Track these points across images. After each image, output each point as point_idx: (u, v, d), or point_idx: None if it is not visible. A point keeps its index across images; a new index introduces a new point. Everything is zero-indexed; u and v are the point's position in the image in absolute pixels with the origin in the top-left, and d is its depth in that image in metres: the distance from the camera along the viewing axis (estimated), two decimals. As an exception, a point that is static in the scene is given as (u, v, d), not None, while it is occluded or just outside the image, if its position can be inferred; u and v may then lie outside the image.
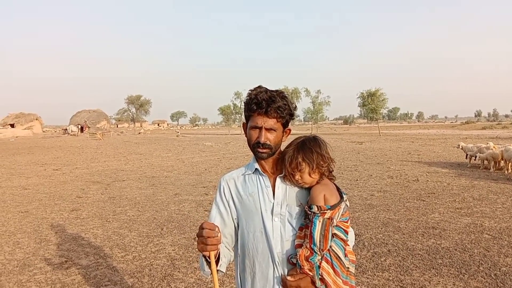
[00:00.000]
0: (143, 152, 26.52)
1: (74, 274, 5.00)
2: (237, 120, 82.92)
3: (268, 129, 1.76)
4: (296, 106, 1.89)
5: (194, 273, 4.99)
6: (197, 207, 8.81)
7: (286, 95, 1.79)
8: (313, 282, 1.64)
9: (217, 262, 1.72)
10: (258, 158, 1.83)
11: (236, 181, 1.90)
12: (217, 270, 1.75)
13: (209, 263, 1.67)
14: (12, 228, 7.27)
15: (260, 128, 1.76)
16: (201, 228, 1.62)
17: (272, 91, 1.78)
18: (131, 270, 5.12)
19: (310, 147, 1.76)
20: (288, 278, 1.68)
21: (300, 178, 1.75)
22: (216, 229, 1.63)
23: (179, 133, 60.04)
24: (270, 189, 1.81)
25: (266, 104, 1.72)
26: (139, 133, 55.23)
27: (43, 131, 71.90)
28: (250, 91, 1.80)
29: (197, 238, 1.64)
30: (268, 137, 1.77)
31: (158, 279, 4.80)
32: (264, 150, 1.78)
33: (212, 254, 1.63)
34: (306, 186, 1.76)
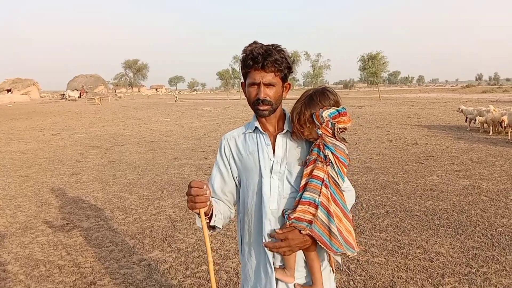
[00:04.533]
0: (141, 117, 26.43)
1: (75, 236, 5.07)
2: (236, 85, 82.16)
3: (267, 85, 1.71)
4: (293, 59, 1.83)
5: (194, 234, 5.06)
6: (196, 170, 8.85)
7: (283, 49, 1.73)
8: (301, 233, 1.63)
9: (210, 218, 1.72)
10: (259, 115, 1.79)
11: (236, 140, 1.88)
12: (212, 226, 1.77)
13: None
14: (13, 192, 7.32)
15: (259, 84, 1.72)
16: (190, 186, 1.60)
17: (268, 45, 1.72)
18: (132, 231, 5.19)
19: (318, 102, 1.71)
20: (277, 231, 1.68)
21: (309, 133, 1.72)
22: (204, 187, 1.61)
23: (177, 98, 59.64)
24: (270, 147, 1.79)
25: (262, 58, 1.66)
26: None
27: (41, 97, 71.44)
28: (245, 48, 1.74)
29: (187, 197, 1.63)
30: (268, 93, 1.72)
31: (159, 240, 4.87)
32: (265, 107, 1.74)
33: (202, 211, 1.63)
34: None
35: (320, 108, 1.69)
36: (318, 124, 1.66)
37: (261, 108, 1.74)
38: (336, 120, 1.66)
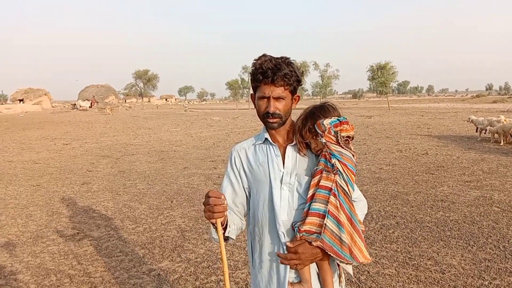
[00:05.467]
0: (151, 126, 26.61)
1: (86, 246, 5.10)
2: (245, 95, 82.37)
3: (276, 98, 1.74)
4: (303, 71, 1.86)
5: (204, 244, 5.06)
6: (206, 180, 8.87)
7: (292, 61, 1.76)
8: (311, 245, 1.64)
9: (225, 229, 1.74)
10: (268, 128, 1.82)
11: (247, 151, 1.90)
12: (226, 237, 1.77)
13: (216, 230, 1.69)
14: (24, 201, 7.40)
15: (268, 98, 1.74)
16: (207, 196, 1.62)
17: (277, 58, 1.74)
18: (142, 241, 5.21)
19: (319, 114, 1.75)
20: (288, 244, 1.69)
21: (316, 145, 1.75)
22: (222, 197, 1.63)
23: (187, 108, 59.90)
24: (280, 158, 1.80)
25: (272, 72, 1.69)
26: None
27: (52, 106, 72.20)
28: (255, 61, 1.76)
29: (204, 207, 1.65)
30: (277, 106, 1.75)
31: (169, 250, 4.88)
32: (274, 120, 1.76)
33: (219, 221, 1.65)
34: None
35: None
36: (320, 132, 1.69)
37: (271, 120, 1.76)
38: (338, 128, 1.68)
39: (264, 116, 1.77)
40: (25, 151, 14.88)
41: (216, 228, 1.67)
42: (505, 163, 9.95)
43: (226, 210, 1.67)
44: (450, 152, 12.11)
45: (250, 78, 1.81)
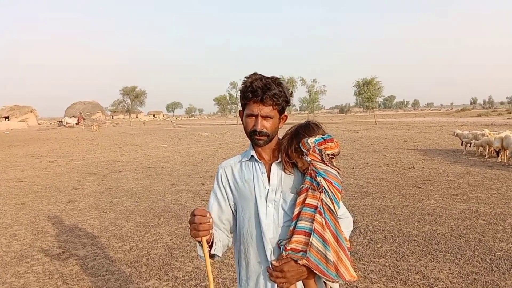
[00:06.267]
0: (139, 143, 26.46)
1: (71, 265, 5.01)
2: (233, 110, 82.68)
3: (264, 117, 1.76)
4: (292, 92, 1.89)
5: (191, 262, 5.01)
6: (194, 197, 8.82)
7: (282, 82, 1.79)
8: (297, 264, 1.64)
9: (211, 246, 1.74)
10: (255, 145, 1.84)
11: (233, 168, 1.91)
12: (212, 255, 1.78)
13: (202, 248, 1.69)
14: (8, 220, 7.27)
15: (256, 116, 1.76)
16: (193, 214, 1.64)
17: (267, 78, 1.77)
18: (128, 260, 5.14)
19: (303, 133, 1.78)
20: (273, 262, 1.70)
21: (302, 165, 1.77)
22: (208, 215, 1.65)
23: (175, 124, 59.87)
24: (265, 175, 1.82)
25: (261, 92, 1.72)
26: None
27: (38, 123, 71.49)
28: (245, 79, 1.79)
29: (189, 225, 1.66)
30: (265, 125, 1.77)
31: (156, 269, 4.82)
32: (261, 138, 1.78)
33: (204, 239, 1.66)
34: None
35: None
36: (305, 151, 1.71)
37: (258, 138, 1.78)
38: (322, 146, 1.70)
39: (251, 134, 1.79)
40: (10, 169, 14.65)
41: (202, 246, 1.68)
42: (490, 176, 10.08)
43: (212, 228, 1.68)
44: (436, 165, 12.25)
45: (240, 95, 1.83)
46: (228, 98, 78.22)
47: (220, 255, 1.82)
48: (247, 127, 1.81)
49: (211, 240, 1.73)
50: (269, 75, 1.80)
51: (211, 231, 1.68)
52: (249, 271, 1.81)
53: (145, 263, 5.02)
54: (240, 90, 1.82)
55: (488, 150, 13.86)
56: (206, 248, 1.67)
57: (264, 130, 1.77)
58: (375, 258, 4.89)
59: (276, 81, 1.76)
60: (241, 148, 20.20)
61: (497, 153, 12.79)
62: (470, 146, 15.11)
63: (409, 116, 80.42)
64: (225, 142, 25.25)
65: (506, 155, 12.40)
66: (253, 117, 1.78)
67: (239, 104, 1.89)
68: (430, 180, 9.80)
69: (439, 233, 5.74)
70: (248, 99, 1.76)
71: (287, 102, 1.82)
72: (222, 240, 1.84)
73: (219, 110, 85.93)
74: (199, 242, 1.68)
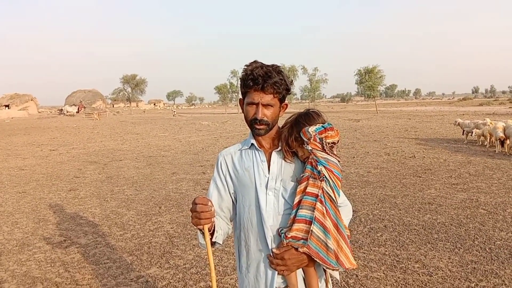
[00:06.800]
0: (139, 132, 26.47)
1: (73, 253, 5.04)
2: (234, 99, 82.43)
3: (265, 105, 1.76)
4: (292, 80, 1.88)
5: (192, 250, 5.04)
6: (194, 185, 8.84)
7: (282, 70, 1.78)
8: (297, 252, 1.65)
9: (212, 234, 1.75)
10: (255, 134, 1.83)
11: (233, 156, 1.91)
12: (214, 242, 1.78)
13: (204, 236, 1.70)
14: (10, 208, 7.30)
15: (257, 104, 1.76)
16: (194, 203, 1.64)
17: (268, 66, 1.76)
18: (129, 248, 5.17)
19: (303, 122, 1.77)
20: (274, 250, 1.70)
21: (303, 154, 1.77)
22: (209, 203, 1.65)
23: (175, 113, 59.74)
24: (265, 163, 1.82)
25: (262, 80, 1.71)
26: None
27: (39, 112, 71.43)
28: (245, 67, 1.78)
29: (191, 213, 1.66)
30: (265, 113, 1.76)
31: (157, 257, 4.84)
32: (262, 126, 1.78)
33: (206, 227, 1.66)
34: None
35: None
36: (306, 140, 1.70)
37: (258, 127, 1.78)
38: (323, 135, 1.70)
39: (252, 122, 1.79)
40: (11, 158, 14.68)
41: (203, 234, 1.68)
42: (491, 166, 10.08)
43: (213, 216, 1.69)
44: (437, 155, 12.24)
45: (240, 83, 1.81)
46: (228, 86, 77.92)
47: (221, 243, 1.83)
48: (247, 116, 1.80)
49: (212, 228, 1.74)
50: (269, 63, 1.78)
51: (212, 219, 1.68)
52: (250, 259, 1.82)
53: (146, 251, 5.04)
54: (240, 78, 1.82)
55: (490, 139, 13.82)
56: (208, 236, 1.68)
57: (265, 118, 1.76)
58: (375, 247, 4.91)
59: (276, 69, 1.75)
60: (241, 137, 20.20)
61: (502, 143, 12.51)
62: (471, 135, 15.08)
63: (410, 105, 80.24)
64: (226, 131, 25.24)
65: (508, 145, 12.33)
66: (254, 106, 1.77)
67: (240, 92, 1.88)
68: (430, 170, 9.80)
69: (439, 222, 5.75)
70: (249, 87, 1.75)
71: (288, 91, 1.81)
72: (222, 228, 1.84)
73: (220, 98, 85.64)
74: (201, 230, 1.69)
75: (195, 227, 1.69)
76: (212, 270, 1.71)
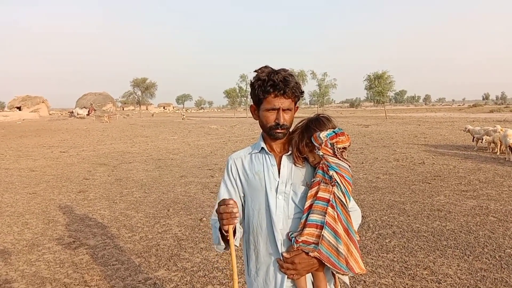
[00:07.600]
0: (149, 135, 26.61)
1: (82, 254, 5.08)
2: (243, 103, 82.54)
3: (285, 110, 1.78)
4: (299, 84, 1.90)
5: (200, 253, 5.05)
6: (203, 189, 8.86)
7: (292, 73, 1.79)
8: (308, 256, 1.65)
9: (233, 235, 1.75)
10: (275, 138, 1.84)
11: (243, 160, 1.92)
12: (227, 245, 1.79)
13: (224, 237, 1.73)
14: (20, 209, 7.38)
15: (278, 110, 1.77)
16: (223, 204, 1.63)
17: (279, 70, 1.77)
18: (138, 250, 5.19)
19: (314, 127, 1.79)
20: (284, 254, 1.71)
21: (313, 159, 1.78)
22: (236, 204, 1.66)
23: (184, 116, 59.99)
24: (276, 167, 1.83)
25: (283, 85, 1.73)
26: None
27: (50, 114, 72.15)
28: (259, 73, 1.78)
29: (218, 214, 1.66)
30: (285, 118, 1.79)
31: (165, 259, 4.86)
32: (282, 131, 1.80)
33: (231, 228, 1.66)
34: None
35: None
36: (317, 145, 1.71)
37: (280, 131, 1.80)
38: (334, 140, 1.71)
39: (272, 127, 1.80)
40: (21, 159, 14.84)
41: (222, 235, 1.72)
42: (501, 173, 9.98)
43: (239, 217, 1.71)
44: (447, 161, 12.15)
45: (255, 89, 1.79)
46: (237, 91, 78.07)
47: (238, 245, 1.83)
48: (267, 122, 1.80)
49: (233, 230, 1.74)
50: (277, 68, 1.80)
51: (235, 221, 1.68)
52: (259, 262, 1.82)
53: (154, 253, 5.07)
54: (255, 84, 1.79)
55: (500, 146, 13.70)
56: (232, 238, 1.68)
57: (286, 123, 1.79)
58: (383, 253, 4.89)
59: (289, 73, 1.77)
60: (250, 141, 20.23)
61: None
62: (481, 142, 14.95)
63: (420, 111, 79.76)
64: (235, 135, 25.29)
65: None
66: (274, 111, 1.78)
67: (249, 98, 1.89)
68: (440, 176, 9.73)
69: (448, 229, 5.71)
70: (268, 93, 1.75)
71: (302, 93, 1.84)
72: (238, 230, 1.85)
73: (229, 103, 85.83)
74: (225, 231, 1.68)
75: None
76: (234, 271, 1.68)
